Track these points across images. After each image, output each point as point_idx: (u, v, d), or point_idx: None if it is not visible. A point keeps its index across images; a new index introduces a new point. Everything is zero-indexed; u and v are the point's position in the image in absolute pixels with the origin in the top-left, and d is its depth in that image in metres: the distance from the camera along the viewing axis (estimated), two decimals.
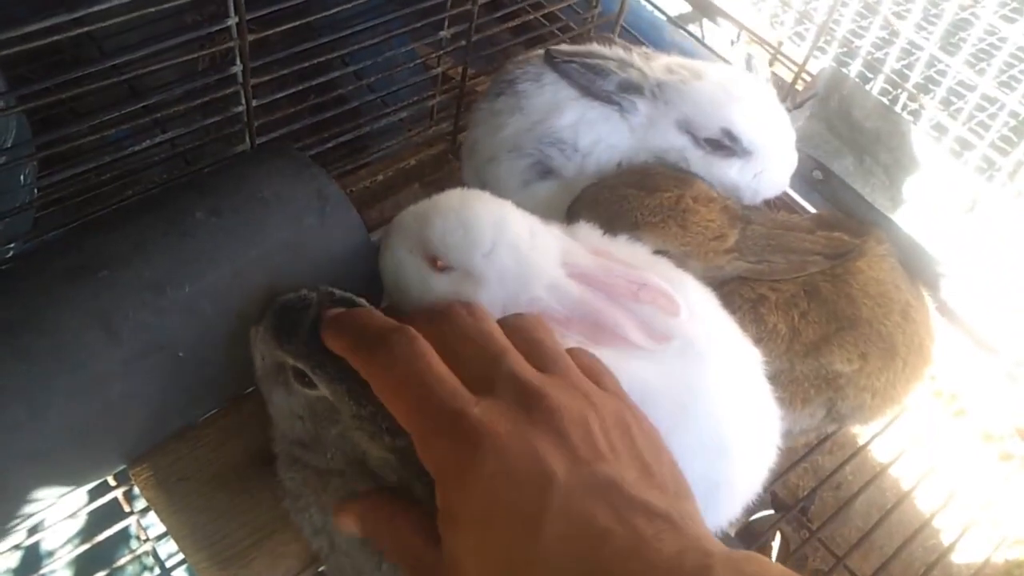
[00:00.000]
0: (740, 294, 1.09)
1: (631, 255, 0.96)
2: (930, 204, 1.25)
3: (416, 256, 0.93)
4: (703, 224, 1.06)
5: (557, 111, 1.14)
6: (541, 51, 1.17)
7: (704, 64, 1.17)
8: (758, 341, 1.02)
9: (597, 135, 1.14)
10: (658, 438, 0.72)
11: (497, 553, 0.57)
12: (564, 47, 1.17)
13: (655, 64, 1.16)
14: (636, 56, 1.16)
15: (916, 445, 1.22)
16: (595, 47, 1.18)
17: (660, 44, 1.73)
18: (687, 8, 1.95)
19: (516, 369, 0.66)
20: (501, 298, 0.89)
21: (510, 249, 0.89)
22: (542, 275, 0.88)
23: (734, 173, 1.14)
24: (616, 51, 1.16)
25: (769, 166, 1.15)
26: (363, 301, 0.84)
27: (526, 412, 0.62)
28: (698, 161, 1.14)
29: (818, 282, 1.11)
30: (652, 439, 0.70)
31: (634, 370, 0.85)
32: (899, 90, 2.08)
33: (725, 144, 1.12)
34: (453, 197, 0.95)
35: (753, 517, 0.96)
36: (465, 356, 0.68)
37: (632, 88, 1.13)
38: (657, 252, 1.04)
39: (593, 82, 1.13)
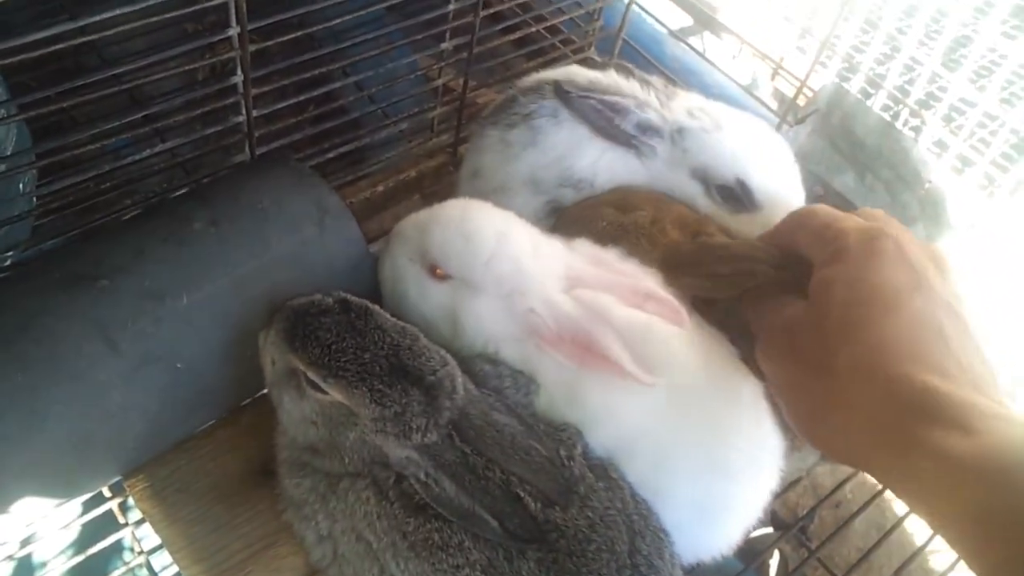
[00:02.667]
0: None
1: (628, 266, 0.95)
2: (932, 220, 1.25)
3: (415, 264, 0.93)
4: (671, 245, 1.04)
5: (576, 151, 1.12)
6: (550, 75, 1.15)
7: (725, 111, 1.15)
8: None
9: (614, 174, 1.12)
10: None
11: (865, 301, 0.74)
12: (578, 78, 1.14)
13: (675, 105, 1.14)
14: (655, 94, 1.14)
15: None
16: (613, 77, 1.15)
17: (661, 57, 1.73)
18: (689, 21, 1.96)
19: None
20: (498, 308, 0.89)
21: (509, 260, 0.89)
22: (540, 289, 0.88)
23: (740, 225, 1.12)
24: (634, 86, 1.14)
25: (776, 220, 1.14)
26: (377, 308, 0.85)
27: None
28: (706, 209, 1.12)
29: None
30: None
31: (626, 391, 0.85)
32: (900, 106, 2.08)
33: (737, 195, 1.10)
34: (455, 207, 0.95)
35: (752, 535, 0.95)
36: None
37: (651, 130, 1.11)
38: None
39: (611, 121, 1.10)
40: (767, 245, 0.96)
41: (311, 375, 0.81)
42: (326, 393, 0.81)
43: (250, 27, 1.00)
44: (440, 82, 1.39)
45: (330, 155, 1.30)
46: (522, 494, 0.78)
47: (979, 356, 0.73)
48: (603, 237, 1.03)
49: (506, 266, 0.89)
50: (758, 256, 0.94)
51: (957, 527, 0.64)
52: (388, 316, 0.85)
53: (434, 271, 0.92)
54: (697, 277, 0.96)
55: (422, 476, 0.79)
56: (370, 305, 0.85)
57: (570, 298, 0.88)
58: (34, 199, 1.18)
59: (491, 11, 1.28)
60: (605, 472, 0.84)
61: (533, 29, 1.51)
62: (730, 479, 0.89)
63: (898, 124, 1.90)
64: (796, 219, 0.89)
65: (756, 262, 0.93)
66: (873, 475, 0.73)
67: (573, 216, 1.09)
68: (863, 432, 0.71)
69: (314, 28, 1.13)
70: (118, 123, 1.04)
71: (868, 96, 2.02)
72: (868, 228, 0.79)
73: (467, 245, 0.90)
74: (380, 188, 1.41)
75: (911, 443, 0.66)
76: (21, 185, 1.19)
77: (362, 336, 0.81)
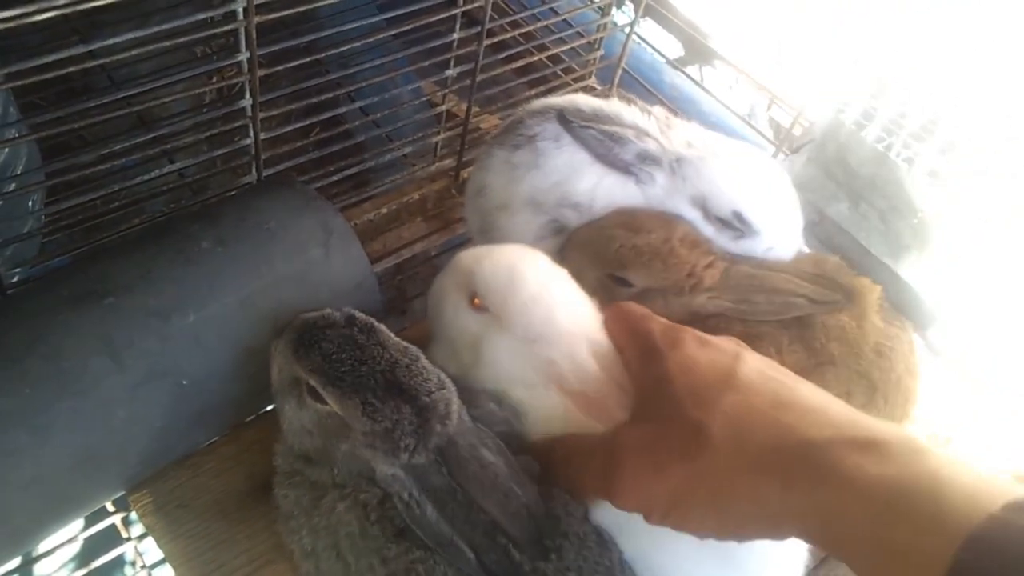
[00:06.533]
0: (720, 328, 1.08)
1: None
2: (925, 248, 1.27)
3: (460, 290, 0.95)
4: (684, 264, 1.08)
5: (576, 175, 1.14)
6: (556, 101, 1.18)
7: (722, 141, 1.18)
8: None
9: (612, 200, 1.15)
10: None
11: (706, 372, 0.76)
12: (583, 106, 1.17)
13: (674, 135, 1.16)
14: (655, 123, 1.17)
15: None
16: (615, 106, 1.17)
17: (660, 86, 1.76)
18: (687, 52, 1.98)
19: None
20: (519, 352, 0.90)
21: (545, 309, 0.90)
22: (565, 342, 0.89)
23: (739, 250, 1.14)
24: (634, 115, 1.16)
25: (775, 244, 1.15)
26: (383, 326, 0.86)
27: None
28: (707, 234, 1.14)
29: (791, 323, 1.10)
30: None
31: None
32: (894, 137, 2.10)
33: (735, 225, 1.13)
34: (513, 248, 0.97)
35: None
36: None
37: (650, 159, 1.14)
38: (642, 289, 1.07)
39: (611, 150, 1.13)
40: (805, 279, 1.07)
41: (311, 382, 0.82)
42: (325, 403, 0.82)
43: (259, 52, 1.02)
44: (444, 108, 1.42)
45: (335, 177, 1.32)
46: (505, 540, 0.77)
47: (825, 395, 0.73)
48: (617, 260, 1.06)
49: (539, 313, 0.90)
50: (796, 291, 1.08)
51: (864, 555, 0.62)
52: (392, 335, 0.86)
53: (473, 300, 0.94)
54: (731, 303, 1.08)
55: (405, 496, 0.79)
56: (376, 323, 0.86)
57: (593, 358, 0.89)
58: (43, 217, 1.19)
59: (494, 40, 1.31)
60: (597, 531, 0.82)
61: (535, 58, 1.54)
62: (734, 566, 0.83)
63: (892, 154, 1.92)
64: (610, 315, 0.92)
65: (795, 295, 1.07)
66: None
67: (582, 239, 1.11)
68: (754, 487, 0.68)
69: (322, 54, 1.15)
70: (127, 143, 1.05)
71: (862, 127, 2.04)
72: (668, 326, 0.84)
73: (510, 283, 0.92)
74: (384, 210, 1.43)
75: (820, 475, 0.65)
76: (30, 203, 1.21)
77: (362, 350, 0.82)
